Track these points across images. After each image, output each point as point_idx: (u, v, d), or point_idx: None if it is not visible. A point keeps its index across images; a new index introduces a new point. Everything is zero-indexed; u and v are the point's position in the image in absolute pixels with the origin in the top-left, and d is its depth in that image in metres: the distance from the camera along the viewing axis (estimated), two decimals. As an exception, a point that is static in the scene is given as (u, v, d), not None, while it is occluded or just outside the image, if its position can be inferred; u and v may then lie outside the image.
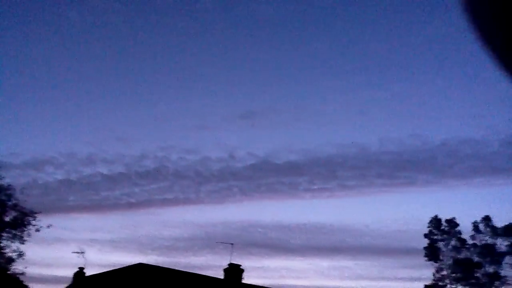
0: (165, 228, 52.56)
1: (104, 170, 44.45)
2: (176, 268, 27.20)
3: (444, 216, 34.91)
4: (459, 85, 70.02)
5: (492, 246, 32.94)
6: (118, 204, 44.40)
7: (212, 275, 28.54)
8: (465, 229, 34.03)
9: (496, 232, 33.30)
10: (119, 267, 24.22)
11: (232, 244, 29.35)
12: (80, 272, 23.00)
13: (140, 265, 24.99)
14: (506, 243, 32.83)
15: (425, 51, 73.38)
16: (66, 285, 23.05)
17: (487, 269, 32.74)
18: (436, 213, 35.22)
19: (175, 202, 47.53)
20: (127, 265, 24.91)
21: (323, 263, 63.77)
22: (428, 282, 34.21)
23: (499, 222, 33.47)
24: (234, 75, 63.36)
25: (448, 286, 33.44)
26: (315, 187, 54.98)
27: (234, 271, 28.30)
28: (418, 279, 34.96)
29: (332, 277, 58.04)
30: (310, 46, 64.29)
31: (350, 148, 60.67)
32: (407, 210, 66.18)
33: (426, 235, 34.62)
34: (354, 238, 58.06)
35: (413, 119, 72.93)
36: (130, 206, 43.89)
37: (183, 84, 60.88)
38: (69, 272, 24.25)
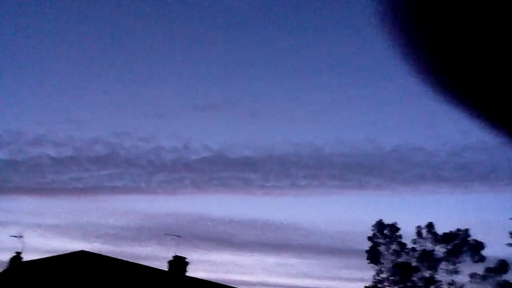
0: (112, 216, 51.53)
1: (52, 152, 42.99)
2: (120, 258, 26.82)
3: (390, 220, 36.10)
4: (413, 93, 72.33)
5: (430, 252, 34.30)
6: (65, 189, 43.16)
7: (156, 267, 28.36)
8: (409, 234, 35.36)
9: (436, 238, 34.70)
10: (59, 254, 23.63)
11: (179, 236, 29.23)
12: (17, 257, 22.31)
13: (81, 253, 24.46)
14: (444, 249, 34.26)
15: (383, 57, 75.35)
16: (1, 270, 22.31)
17: (423, 273, 34.10)
18: (384, 217, 36.36)
19: (124, 190, 46.69)
20: (69, 252, 24.35)
21: (270, 259, 64.54)
22: (368, 284, 35.34)
23: (441, 229, 34.95)
24: (194, 66, 62.72)
25: (387, 288, 34.63)
26: (268, 184, 55.44)
27: (179, 263, 28.19)
28: (360, 280, 36.02)
29: (277, 274, 58.80)
30: (272, 44, 64.43)
31: (305, 148, 61.57)
32: (356, 212, 67.98)
33: (369, 238, 35.71)
34: (302, 236, 59.05)
35: (367, 123, 74.73)
36: (77, 191, 42.76)
37: (141, 71, 59.74)
38: (6, 257, 23.51)
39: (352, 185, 56.33)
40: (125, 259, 26.97)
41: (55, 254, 23.48)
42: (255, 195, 58.47)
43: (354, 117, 74.60)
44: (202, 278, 29.79)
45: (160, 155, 50.73)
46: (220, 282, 30.74)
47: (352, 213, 64.72)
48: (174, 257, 28.39)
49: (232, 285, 31.09)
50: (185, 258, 28.47)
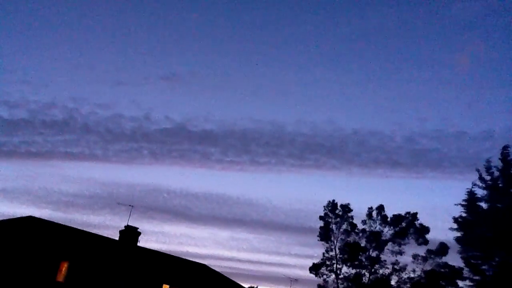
0: (65, 182, 50.67)
1: (4, 113, 41.66)
2: (70, 225, 26.59)
3: (344, 200, 37.15)
4: (375, 78, 73.44)
5: (379, 233, 35.50)
6: (16, 152, 42.06)
7: (108, 236, 28.31)
8: (361, 215, 36.47)
9: (385, 220, 35.88)
10: (5, 219, 23.20)
11: (132, 206, 29.19)
12: (-40, 219, 21.75)
13: (29, 218, 24.10)
14: (391, 231, 35.49)
15: (351, 42, 75.80)
16: None
17: (371, 253, 35.35)
18: (338, 197, 37.41)
19: (79, 157, 45.94)
20: (16, 217, 23.93)
21: (224, 233, 65.34)
22: (318, 261, 36.38)
23: (391, 211, 36.18)
24: (160, 35, 61.38)
25: (335, 265, 35.73)
26: (227, 159, 55.66)
27: (130, 233, 28.24)
28: (311, 256, 37.02)
29: (230, 248, 59.76)
30: (240, 19, 63.64)
31: (266, 125, 61.90)
32: (312, 191, 69.42)
33: (321, 217, 36.64)
34: (257, 212, 60.00)
35: (329, 105, 75.70)
36: (30, 155, 41.76)
37: (104, 36, 57.95)
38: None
39: (310, 164, 57.37)
40: (75, 226, 26.80)
41: (1, 219, 23.05)
42: (213, 169, 58.72)
43: (317, 98, 75.26)
44: (153, 249, 29.99)
45: (119, 124, 49.95)
46: (173, 254, 31.07)
47: (308, 192, 66.14)
48: (125, 227, 28.39)
49: (184, 257, 31.50)
50: (137, 228, 28.53)
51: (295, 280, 37.29)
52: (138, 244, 28.45)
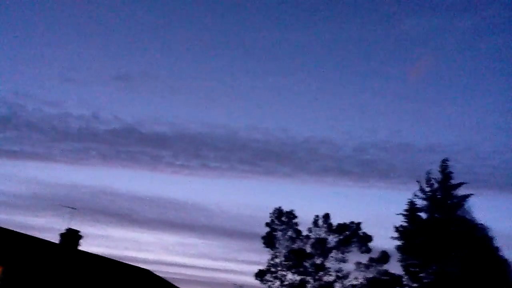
0: (5, 182, 48.29)
1: None
2: (7, 227, 25.36)
3: (293, 207, 37.45)
4: (328, 88, 75.11)
5: (324, 240, 36.14)
6: (-48, 148, 39.77)
7: (48, 239, 27.21)
8: (308, 222, 36.96)
9: (331, 228, 36.59)
10: None
11: (75, 208, 28.27)
12: None
13: (-38, 219, 22.78)
14: (336, 239, 36.23)
15: (306, 51, 77.26)
16: None
17: (315, 260, 35.89)
18: (288, 204, 37.74)
19: (22, 155, 43.96)
20: None
21: (171, 238, 64.32)
22: (263, 267, 36.53)
23: (337, 220, 36.86)
24: (113, 34, 59.95)
25: (279, 272, 35.99)
26: (178, 162, 54.95)
27: (71, 236, 27.27)
28: (257, 263, 36.99)
29: (177, 253, 58.90)
30: (196, 21, 63.28)
31: (219, 130, 61.73)
32: (261, 198, 69.71)
33: (267, 224, 36.87)
34: (206, 217, 59.52)
35: (283, 113, 76.57)
36: (-33, 152, 39.62)
37: (54, 30, 55.98)
38: None
39: (261, 171, 57.62)
40: (13, 229, 25.58)
41: None
42: (163, 172, 57.78)
43: (271, 105, 75.92)
44: (96, 253, 29.09)
45: (66, 122, 48.20)
46: (117, 259, 30.23)
47: (258, 198, 66.29)
48: (66, 229, 27.40)
49: (129, 262, 30.73)
50: (78, 231, 27.59)
51: (240, 287, 37.26)
52: (80, 248, 27.53)
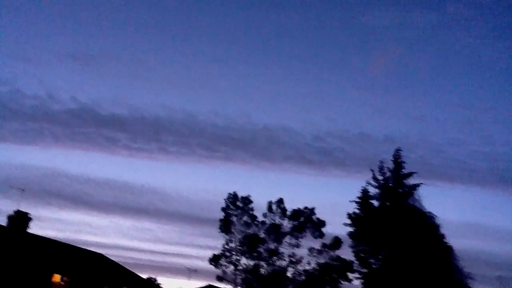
0: (-51, 161, 45.85)
1: None
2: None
3: (251, 194, 37.56)
4: (290, 76, 75.42)
5: (278, 226, 36.54)
6: None
7: (-5, 221, 26.22)
8: (264, 208, 37.21)
9: (285, 214, 37.01)
10: None
11: (23, 190, 27.37)
12: None
13: None
14: (290, 225, 36.71)
15: (270, 39, 77.04)
16: None
17: (269, 245, 36.30)
18: (246, 190, 37.75)
19: (-32, 134, 41.84)
20: None
21: (126, 222, 63.43)
22: (218, 252, 36.62)
23: (293, 206, 37.22)
24: (72, 11, 57.63)
25: (234, 257, 36.20)
26: (135, 146, 53.92)
27: (20, 219, 26.44)
28: (213, 248, 37.00)
29: (131, 237, 58.17)
30: (158, 5, 61.91)
31: (178, 114, 60.95)
32: (220, 183, 69.78)
33: (223, 209, 36.90)
34: (162, 202, 58.98)
35: (244, 98, 76.39)
36: None
37: (6, 5, 53.17)
38: None
39: (220, 156, 57.48)
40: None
41: None
42: (119, 155, 56.61)
43: (232, 90, 75.54)
44: (48, 236, 28.29)
45: (18, 101, 46.10)
46: (69, 242, 29.50)
47: (217, 183, 66.33)
48: (15, 212, 26.50)
49: (81, 246, 30.02)
50: (27, 214, 26.76)
51: (194, 271, 37.31)
52: (30, 231, 26.71)
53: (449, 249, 25.46)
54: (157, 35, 67.40)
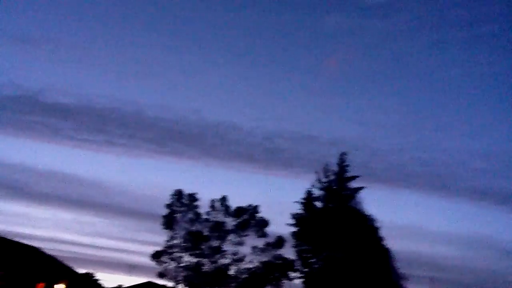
0: None
1: None
2: None
3: (198, 190, 37.23)
4: (242, 75, 75.46)
5: (222, 224, 36.54)
6: None
7: None
8: (209, 205, 37.01)
9: (228, 211, 37.04)
10: None
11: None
12: None
13: None
14: (234, 222, 36.79)
15: (223, 36, 76.74)
16: None
17: (212, 243, 36.22)
18: (192, 186, 37.33)
19: None
20: None
21: (67, 215, 61.13)
22: (160, 248, 36.11)
23: (241, 204, 37.21)
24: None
25: (176, 254, 35.84)
26: (80, 137, 51.97)
27: None
28: (156, 244, 36.40)
29: (72, 231, 56.06)
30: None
31: (127, 106, 59.40)
32: (167, 179, 68.64)
33: (167, 205, 36.44)
34: (106, 195, 57.26)
35: (195, 94, 75.59)
36: None
37: None
38: None
39: (168, 151, 56.54)
40: None
41: None
42: (62, 145, 54.37)
43: (183, 85, 74.58)
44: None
45: (-48, 84, 43.22)
46: (5, 235, 28.00)
47: (163, 178, 65.19)
48: None
49: (17, 239, 28.52)
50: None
51: (134, 267, 36.61)
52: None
53: (386, 251, 26.49)
54: (108, 24, 65.49)
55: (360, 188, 26.99)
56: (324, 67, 72.35)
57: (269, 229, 36.23)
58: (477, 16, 68.74)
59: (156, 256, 35.57)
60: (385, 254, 26.21)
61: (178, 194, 36.73)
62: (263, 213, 36.70)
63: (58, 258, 29.81)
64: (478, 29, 69.33)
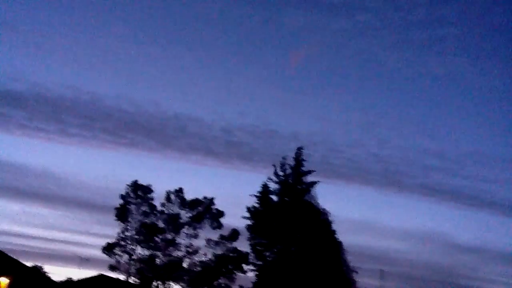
0: None
1: None
2: None
3: (154, 183, 36.70)
4: (203, 67, 74.67)
5: (177, 216, 36.22)
6: None
7: None
8: (161, 196, 36.56)
9: (184, 204, 36.74)
10: None
11: None
12: None
13: None
14: (189, 215, 36.53)
15: (183, 27, 75.50)
16: None
17: (167, 235, 35.87)
18: (150, 179, 36.78)
19: None
20: None
21: (15, 206, 58.73)
22: (113, 241, 35.41)
23: (194, 196, 36.91)
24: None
25: (129, 246, 35.28)
26: (32, 125, 49.93)
27: None
28: (109, 236, 35.68)
29: (20, 223, 53.93)
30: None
31: (84, 95, 57.56)
32: (124, 170, 67.13)
33: (122, 196, 35.74)
34: (58, 186, 55.33)
35: (155, 85, 74.15)
36: None
37: None
38: None
39: (126, 143, 55.21)
40: None
41: None
42: (13, 134, 52.06)
43: (142, 75, 73.05)
44: None
45: None
46: None
47: (120, 170, 63.64)
48: None
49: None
50: None
51: (86, 260, 35.73)
52: None
53: (339, 244, 26.96)
54: (65, 10, 63.23)
55: (315, 183, 27.25)
56: (286, 62, 72.83)
57: (224, 222, 36.35)
58: (438, 18, 70.96)
59: (108, 248, 34.89)
60: (337, 247, 26.67)
61: (133, 185, 36.11)
62: (220, 206, 36.74)
63: (3, 251, 28.68)
64: (438, 30, 71.59)
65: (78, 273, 38.86)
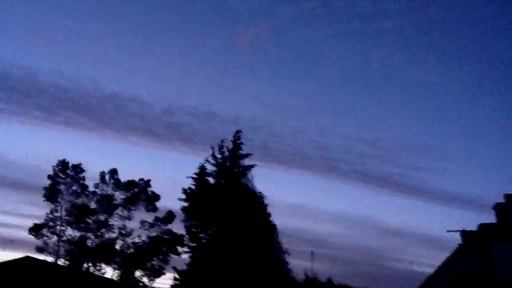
0: None
1: None
2: None
3: (89, 163, 35.49)
4: (143, 45, 72.32)
5: (110, 197, 35.30)
6: None
7: None
8: (96, 177, 35.46)
9: (119, 185, 35.85)
10: None
11: None
12: None
13: None
14: (123, 196, 35.71)
15: (126, 6, 72.63)
16: None
17: (99, 216, 34.92)
18: (85, 159, 35.52)
19: None
20: None
21: None
22: (41, 221, 34.01)
23: (130, 177, 36.07)
24: None
25: (58, 228, 34.06)
26: (-40, 100, 46.22)
27: None
28: (38, 217, 34.19)
29: None
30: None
31: (15, 68, 54.26)
32: (58, 149, 64.11)
33: (50, 176, 34.29)
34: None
35: (92, 62, 70.98)
36: None
37: None
38: None
39: (61, 120, 52.72)
40: None
41: None
42: None
43: (80, 51, 69.73)
44: None
45: None
46: None
47: (54, 149, 60.83)
48: None
49: None
50: None
51: (10, 241, 34.11)
52: None
53: (272, 227, 27.40)
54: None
55: (252, 166, 27.36)
56: (230, 46, 72.29)
57: (161, 204, 35.94)
58: (380, 11, 72.99)
59: (35, 229, 33.54)
60: (271, 230, 27.07)
61: (63, 165, 34.74)
62: (157, 188, 36.34)
63: None
64: (380, 23, 73.68)
65: (3, 256, 37.06)
